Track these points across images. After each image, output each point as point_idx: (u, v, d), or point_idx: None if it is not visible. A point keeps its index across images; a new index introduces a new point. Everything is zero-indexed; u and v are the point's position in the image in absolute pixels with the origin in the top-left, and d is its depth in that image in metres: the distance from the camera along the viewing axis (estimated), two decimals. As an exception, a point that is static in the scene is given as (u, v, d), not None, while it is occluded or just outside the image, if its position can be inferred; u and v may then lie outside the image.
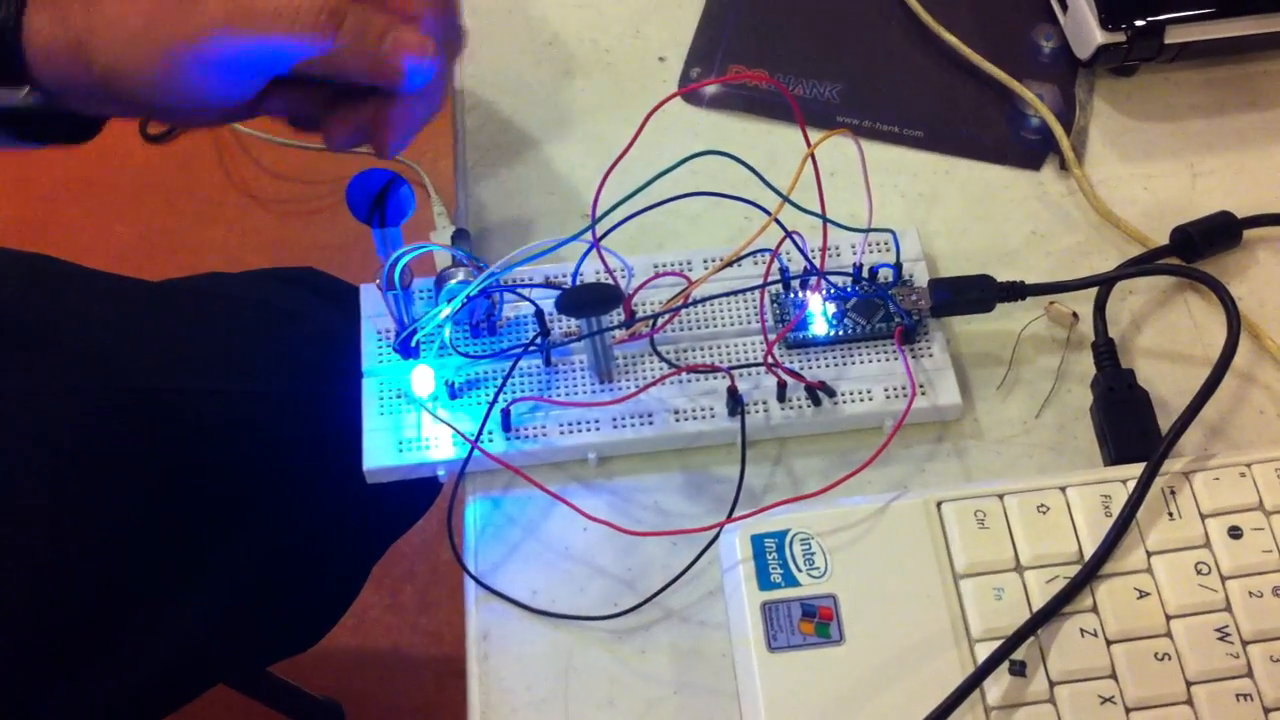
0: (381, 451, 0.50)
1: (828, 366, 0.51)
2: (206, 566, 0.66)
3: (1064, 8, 0.60)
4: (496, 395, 0.50)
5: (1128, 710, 0.44)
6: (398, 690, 1.25)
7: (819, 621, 0.45)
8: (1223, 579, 0.46)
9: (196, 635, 0.66)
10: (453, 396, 0.51)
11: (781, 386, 0.50)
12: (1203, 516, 0.47)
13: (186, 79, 0.45)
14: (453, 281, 0.51)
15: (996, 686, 0.44)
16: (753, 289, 0.52)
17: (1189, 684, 0.44)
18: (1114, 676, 0.44)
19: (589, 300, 0.48)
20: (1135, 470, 0.47)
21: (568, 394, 0.51)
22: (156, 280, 0.75)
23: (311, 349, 0.72)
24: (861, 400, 0.51)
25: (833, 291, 0.52)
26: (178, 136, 1.59)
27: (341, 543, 0.76)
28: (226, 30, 0.44)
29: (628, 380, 0.51)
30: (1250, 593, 0.45)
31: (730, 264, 0.52)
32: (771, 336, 0.52)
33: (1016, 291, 0.52)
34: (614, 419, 0.50)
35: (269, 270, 0.82)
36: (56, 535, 0.60)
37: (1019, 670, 0.44)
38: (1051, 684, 0.44)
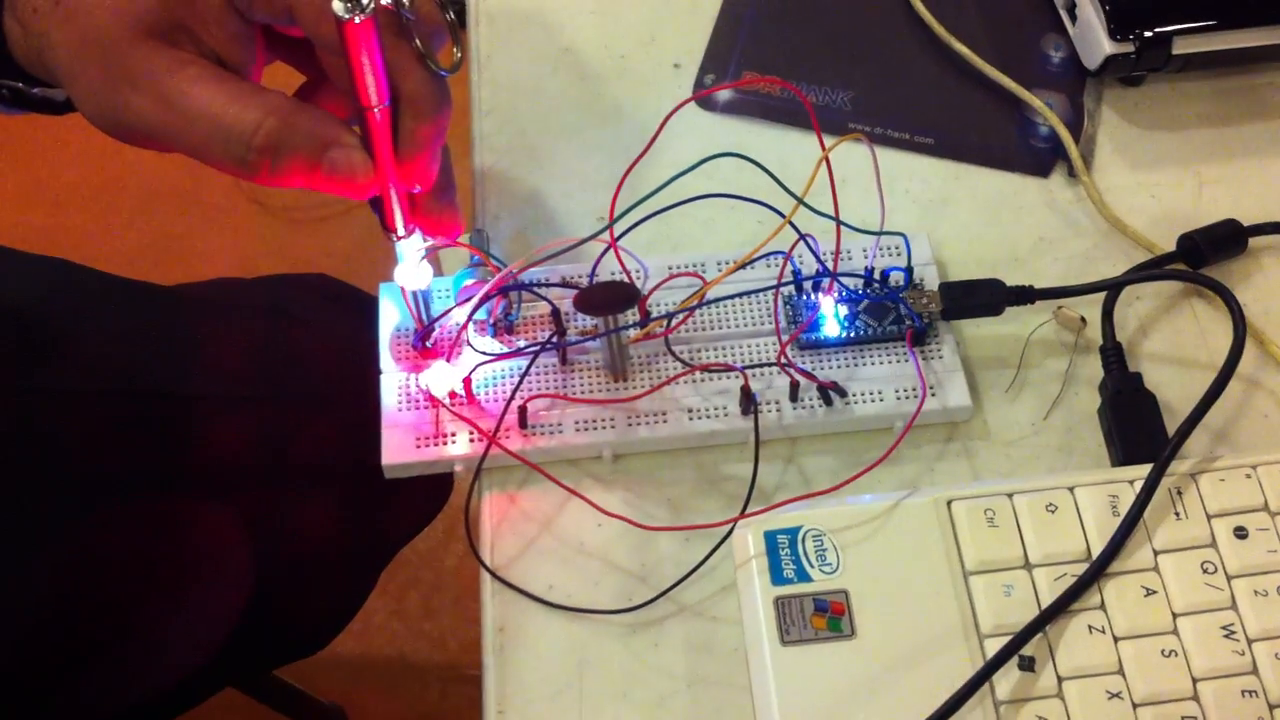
0: (400, 447, 0.51)
1: (839, 367, 0.52)
2: (217, 570, 0.66)
3: (1073, 18, 0.61)
4: (513, 392, 0.51)
5: (1135, 706, 0.44)
6: (401, 696, 1.25)
7: (831, 616, 0.46)
8: (1229, 578, 0.46)
9: (208, 637, 0.67)
10: (470, 394, 0.51)
11: (794, 386, 0.51)
12: (1209, 517, 0.47)
13: (137, 141, 0.45)
14: (471, 280, 0.52)
15: (1005, 681, 0.44)
16: (766, 289, 0.53)
17: (1195, 681, 0.45)
18: (1121, 673, 0.45)
19: (606, 299, 0.49)
20: (1142, 471, 0.48)
21: (583, 392, 0.52)
22: (169, 285, 0.76)
23: (324, 354, 0.73)
24: (873, 401, 0.51)
25: (845, 294, 0.53)
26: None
27: (350, 547, 0.77)
28: (155, 138, 0.44)
29: (642, 379, 0.52)
30: (1256, 591, 0.46)
31: (744, 265, 0.53)
32: (784, 337, 0.52)
33: (1025, 296, 0.53)
34: (629, 417, 0.51)
35: (281, 276, 0.82)
36: (70, 536, 0.61)
37: (1028, 666, 0.45)
38: (1060, 679, 0.45)
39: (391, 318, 0.53)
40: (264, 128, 0.42)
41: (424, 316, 0.52)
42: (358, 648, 1.26)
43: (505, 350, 0.52)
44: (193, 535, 0.65)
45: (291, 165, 0.44)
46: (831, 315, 0.52)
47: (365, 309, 0.56)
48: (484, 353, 0.52)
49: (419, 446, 0.51)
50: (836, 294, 0.52)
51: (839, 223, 0.50)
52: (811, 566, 0.47)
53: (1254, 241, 0.56)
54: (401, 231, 0.47)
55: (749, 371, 0.51)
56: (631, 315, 0.52)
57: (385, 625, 1.27)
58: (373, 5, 0.40)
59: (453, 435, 0.51)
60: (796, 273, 0.53)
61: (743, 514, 0.48)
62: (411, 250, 0.48)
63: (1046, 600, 0.46)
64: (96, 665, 0.62)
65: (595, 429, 0.51)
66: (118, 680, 0.63)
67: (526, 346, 0.52)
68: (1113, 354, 0.53)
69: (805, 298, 0.53)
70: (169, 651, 0.65)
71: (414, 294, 0.51)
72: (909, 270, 0.53)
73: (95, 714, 0.63)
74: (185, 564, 0.65)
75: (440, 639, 1.27)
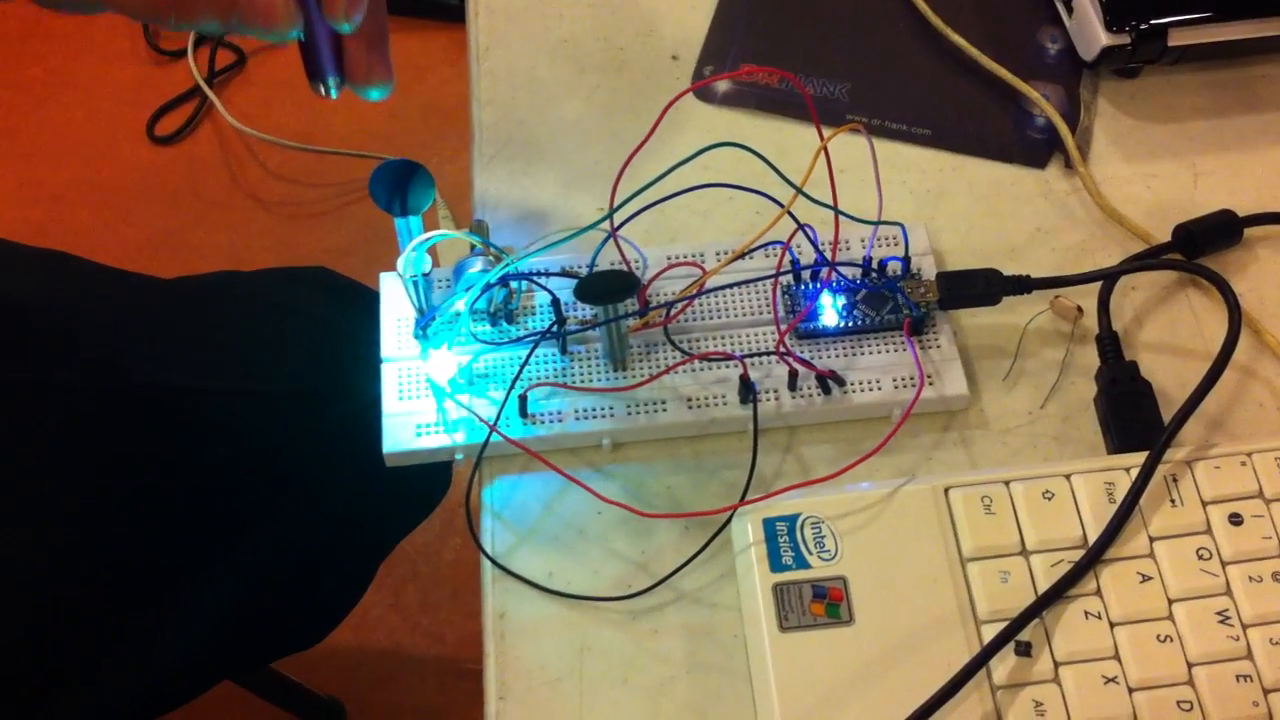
0: (401, 436, 0.51)
1: (838, 356, 0.53)
2: (216, 563, 0.66)
3: (1069, 10, 0.61)
4: (514, 381, 0.51)
5: (1130, 690, 0.45)
6: (399, 690, 1.25)
7: (829, 603, 0.46)
8: (1223, 564, 0.47)
9: (206, 631, 0.67)
10: (471, 382, 0.52)
11: (793, 375, 0.51)
12: (1204, 504, 0.48)
13: None
14: (472, 270, 0.52)
15: (1002, 666, 0.45)
16: (765, 279, 0.53)
17: (1190, 665, 0.45)
18: (1117, 658, 0.45)
19: (606, 288, 0.49)
20: (1138, 459, 0.48)
21: (583, 381, 0.52)
22: (169, 278, 0.76)
23: (323, 347, 0.73)
24: (870, 390, 0.52)
25: (843, 283, 0.53)
26: (184, 138, 1.60)
27: (349, 540, 0.77)
28: None
29: (642, 368, 0.52)
30: (1250, 577, 0.46)
31: (743, 255, 0.53)
32: (783, 326, 0.53)
33: (1022, 285, 0.53)
34: (628, 405, 0.51)
35: (281, 269, 0.82)
36: (69, 530, 0.61)
37: (1024, 651, 0.45)
38: (1056, 664, 0.45)
39: (393, 307, 0.54)
40: None
41: (425, 306, 0.52)
42: (355, 641, 1.26)
43: (505, 339, 0.52)
44: (191, 527, 0.66)
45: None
46: (830, 305, 0.53)
47: (365, 302, 0.56)
48: (484, 342, 0.52)
49: (420, 435, 0.51)
50: (835, 283, 0.53)
51: (837, 213, 0.50)
52: (810, 554, 0.47)
53: (1249, 232, 0.57)
54: (329, 80, 0.44)
55: (748, 360, 0.51)
56: (631, 304, 0.52)
57: (383, 619, 1.27)
58: None
59: (453, 423, 0.51)
60: (795, 262, 0.53)
61: (742, 501, 0.49)
62: (413, 238, 0.49)
63: (1043, 586, 0.46)
64: (95, 658, 0.62)
65: (595, 417, 0.51)
66: (116, 673, 0.63)
67: (526, 335, 0.52)
68: (1109, 343, 0.53)
69: (803, 287, 0.54)
70: (167, 644, 0.65)
71: (415, 283, 0.51)
72: (906, 260, 0.54)
73: (94, 707, 0.63)
74: (184, 556, 0.65)
75: (438, 633, 1.27)
